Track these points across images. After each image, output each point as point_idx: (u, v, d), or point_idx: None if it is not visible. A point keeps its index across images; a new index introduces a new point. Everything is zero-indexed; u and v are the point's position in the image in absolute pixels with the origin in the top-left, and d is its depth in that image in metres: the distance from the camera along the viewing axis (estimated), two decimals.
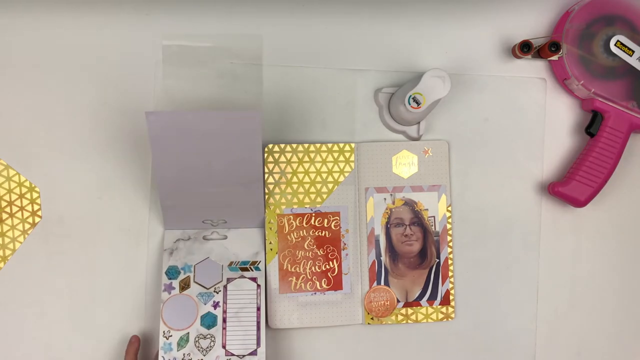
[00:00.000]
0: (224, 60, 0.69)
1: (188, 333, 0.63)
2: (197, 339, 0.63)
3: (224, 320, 0.64)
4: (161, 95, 0.68)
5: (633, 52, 0.69)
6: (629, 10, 0.70)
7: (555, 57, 0.70)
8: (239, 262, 0.66)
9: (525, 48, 0.69)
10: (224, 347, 0.63)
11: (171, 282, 0.65)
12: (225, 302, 0.64)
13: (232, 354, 0.63)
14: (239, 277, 0.66)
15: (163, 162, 0.60)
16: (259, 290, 0.65)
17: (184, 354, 0.63)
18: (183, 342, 0.63)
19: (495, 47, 0.73)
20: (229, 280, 0.65)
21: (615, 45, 0.69)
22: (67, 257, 0.67)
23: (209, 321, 0.64)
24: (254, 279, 0.66)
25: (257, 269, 0.66)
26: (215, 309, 0.64)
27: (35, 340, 0.67)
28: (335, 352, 0.70)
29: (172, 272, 0.65)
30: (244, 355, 0.63)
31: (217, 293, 0.65)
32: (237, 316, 0.64)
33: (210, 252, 0.66)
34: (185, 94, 0.69)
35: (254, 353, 0.63)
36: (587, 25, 0.70)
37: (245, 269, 0.66)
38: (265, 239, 0.68)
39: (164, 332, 0.63)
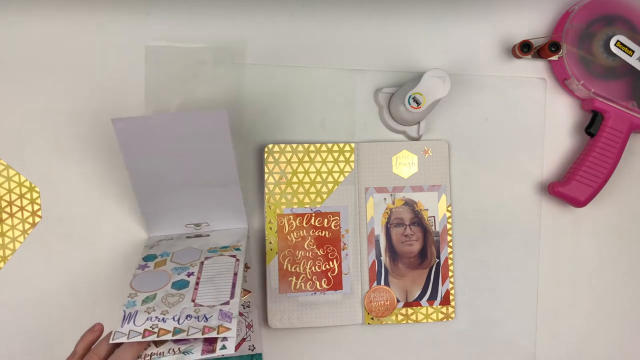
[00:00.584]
0: (206, 61, 0.69)
1: (156, 294, 0.57)
2: (164, 297, 0.58)
3: (197, 284, 0.59)
4: (151, 97, 0.68)
5: (633, 52, 0.69)
6: (629, 10, 0.70)
7: (555, 57, 0.70)
8: (219, 246, 0.65)
9: (525, 48, 0.69)
10: (193, 301, 0.57)
11: (146, 263, 0.62)
12: (200, 272, 0.60)
13: (201, 305, 0.57)
14: (217, 256, 0.63)
15: (137, 169, 0.60)
16: (237, 263, 0.61)
17: (147, 307, 0.56)
18: (149, 300, 0.57)
19: (495, 47, 0.73)
20: (206, 258, 0.62)
21: (615, 45, 0.69)
22: (67, 257, 0.67)
23: (180, 285, 0.59)
24: (233, 256, 0.63)
25: (238, 249, 0.64)
26: (188, 277, 0.60)
27: (35, 340, 0.67)
28: (335, 352, 0.70)
29: (149, 258, 0.63)
30: (214, 305, 0.57)
31: (193, 267, 0.61)
32: (211, 280, 0.60)
33: (192, 245, 0.65)
34: (167, 95, 0.68)
35: (226, 303, 0.57)
36: (587, 25, 0.70)
37: (225, 250, 0.64)
38: (247, 235, 0.68)
39: (129, 294, 0.58)
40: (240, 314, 0.67)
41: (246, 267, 0.68)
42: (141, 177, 0.60)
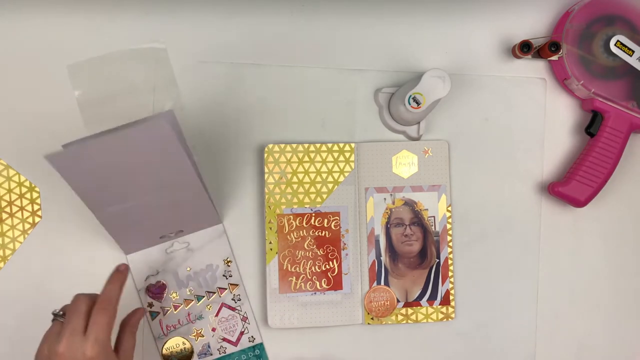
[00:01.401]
0: (132, 72, 0.68)
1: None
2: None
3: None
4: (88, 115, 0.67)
5: (633, 52, 0.69)
6: (629, 10, 0.70)
7: (555, 57, 0.70)
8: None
9: (525, 48, 0.69)
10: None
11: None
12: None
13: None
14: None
15: (92, 197, 0.56)
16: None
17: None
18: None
19: (495, 47, 0.73)
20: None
21: (615, 45, 0.69)
22: (67, 257, 0.67)
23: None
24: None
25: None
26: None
27: (35, 341, 0.66)
28: (335, 352, 0.70)
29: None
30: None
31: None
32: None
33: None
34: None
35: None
36: (587, 25, 0.70)
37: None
38: (225, 232, 0.68)
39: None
40: (233, 309, 0.67)
41: (228, 261, 0.68)
42: (99, 203, 0.57)
